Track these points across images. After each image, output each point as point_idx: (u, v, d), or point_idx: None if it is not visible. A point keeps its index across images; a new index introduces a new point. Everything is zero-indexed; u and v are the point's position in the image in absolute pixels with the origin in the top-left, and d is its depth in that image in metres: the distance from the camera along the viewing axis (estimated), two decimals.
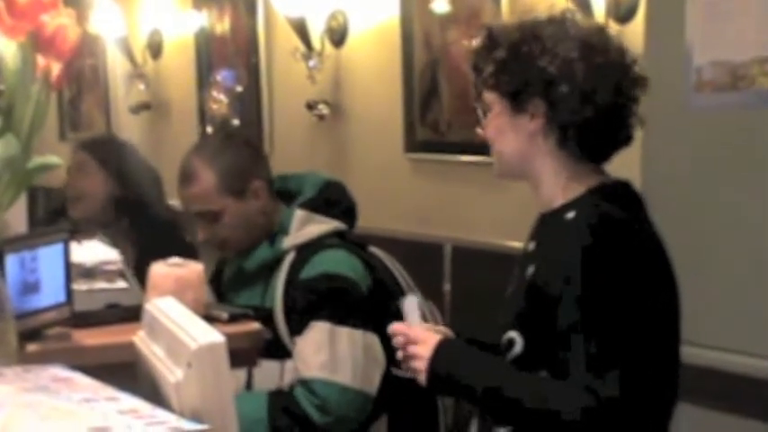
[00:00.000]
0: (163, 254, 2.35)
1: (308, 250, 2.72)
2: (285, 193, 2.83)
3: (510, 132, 2.05)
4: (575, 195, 2.02)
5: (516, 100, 2.02)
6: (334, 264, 2.69)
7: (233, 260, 2.86)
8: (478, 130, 2.13)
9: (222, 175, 2.74)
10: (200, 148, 2.88)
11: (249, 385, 2.69)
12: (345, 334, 2.62)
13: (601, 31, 2.08)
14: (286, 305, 2.69)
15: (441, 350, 2.02)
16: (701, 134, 2.71)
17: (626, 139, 2.07)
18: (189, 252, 2.94)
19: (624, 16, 3.45)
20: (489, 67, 2.05)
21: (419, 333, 2.06)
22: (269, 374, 2.65)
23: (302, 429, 2.56)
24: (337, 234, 2.78)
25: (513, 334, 2.00)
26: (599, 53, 1.99)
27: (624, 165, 3.25)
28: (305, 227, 2.74)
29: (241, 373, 2.67)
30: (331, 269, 2.67)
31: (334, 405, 2.56)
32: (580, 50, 1.98)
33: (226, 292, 2.89)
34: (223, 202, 2.74)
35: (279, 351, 2.60)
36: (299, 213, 2.75)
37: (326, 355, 2.59)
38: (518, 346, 1.98)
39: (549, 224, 2.05)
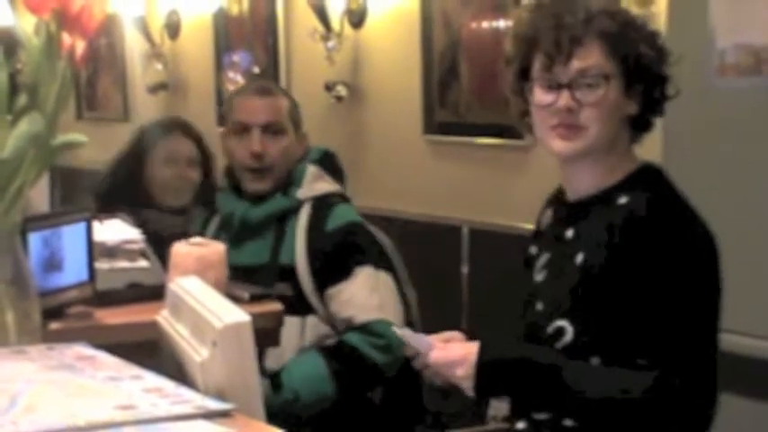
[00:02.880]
0: None
1: (323, 205, 2.80)
2: None
3: (613, 112, 1.99)
4: (618, 179, 2.01)
5: (632, 82, 1.99)
6: (355, 215, 2.82)
7: (232, 214, 2.83)
8: (568, 103, 1.97)
9: (291, 105, 2.93)
10: (269, 81, 3.09)
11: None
12: (384, 277, 2.75)
13: None
14: (311, 258, 2.70)
15: (483, 353, 1.95)
16: (723, 117, 2.70)
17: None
18: None
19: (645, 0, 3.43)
20: (627, 42, 1.98)
21: (452, 348, 2.00)
22: (290, 331, 2.65)
23: (366, 374, 2.60)
24: (339, 196, 2.89)
25: (562, 322, 1.96)
26: (660, 37, 2.03)
27: (646, 148, 3.24)
28: (317, 182, 2.84)
29: None
30: (356, 220, 2.80)
31: (395, 344, 2.58)
32: (660, 38, 2.01)
33: None
34: (288, 126, 2.86)
35: (300, 307, 2.60)
36: (311, 168, 2.85)
37: (378, 297, 2.69)
38: (569, 335, 1.95)
39: (594, 210, 2.00)
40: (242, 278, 2.61)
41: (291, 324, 2.66)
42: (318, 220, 2.76)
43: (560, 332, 1.96)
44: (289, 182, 2.82)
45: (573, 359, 1.93)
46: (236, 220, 2.80)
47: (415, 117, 4.46)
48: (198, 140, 3.37)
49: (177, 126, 3.40)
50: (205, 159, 3.34)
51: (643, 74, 1.98)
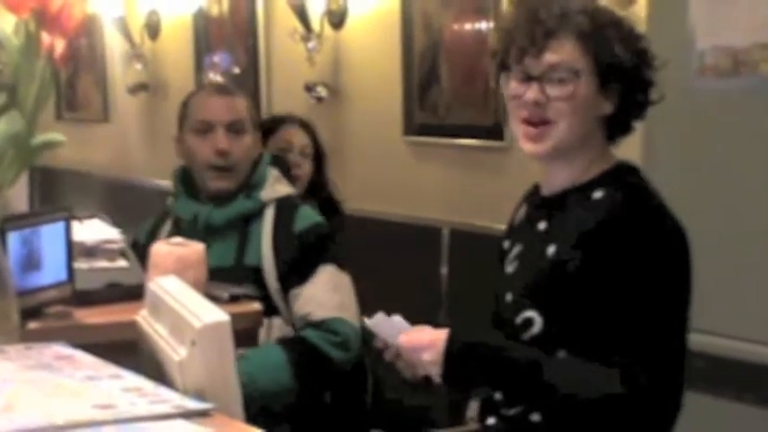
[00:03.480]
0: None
1: (286, 206, 2.81)
2: None
3: (585, 110, 1.98)
4: (594, 175, 2.01)
5: (607, 80, 1.98)
6: (319, 217, 2.84)
7: (195, 217, 2.81)
8: (537, 97, 1.97)
9: (250, 105, 2.95)
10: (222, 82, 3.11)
11: None
12: (345, 276, 2.77)
13: None
14: (278, 259, 2.71)
15: (452, 339, 1.95)
16: (702, 118, 2.71)
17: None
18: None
19: (626, 0, 3.44)
20: (581, 44, 1.98)
21: (421, 333, 2.01)
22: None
23: (322, 368, 2.63)
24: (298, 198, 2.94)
25: (531, 313, 1.96)
26: (643, 41, 2.02)
27: (625, 148, 3.25)
28: (278, 184, 2.86)
29: None
30: (321, 221, 2.83)
31: (353, 342, 2.65)
32: (642, 41, 2.01)
33: None
34: (248, 125, 2.86)
35: (266, 308, 2.61)
36: (272, 171, 2.87)
37: (339, 297, 2.71)
38: (537, 326, 1.95)
39: (568, 204, 2.01)
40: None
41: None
42: (284, 222, 2.77)
43: (529, 323, 1.96)
44: (251, 184, 2.81)
45: (541, 350, 1.93)
46: (201, 222, 2.79)
47: (395, 118, 4.46)
48: (313, 135, 3.48)
49: (294, 119, 3.52)
50: (318, 156, 3.46)
51: (618, 74, 1.97)
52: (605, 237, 1.90)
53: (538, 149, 1.99)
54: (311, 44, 4.78)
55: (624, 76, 1.98)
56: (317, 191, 3.41)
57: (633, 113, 2.04)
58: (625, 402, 1.84)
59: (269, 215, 2.79)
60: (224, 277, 2.52)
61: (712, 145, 2.70)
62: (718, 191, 2.68)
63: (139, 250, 2.58)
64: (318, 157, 3.48)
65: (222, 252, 2.73)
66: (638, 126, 2.83)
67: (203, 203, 2.82)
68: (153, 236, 2.83)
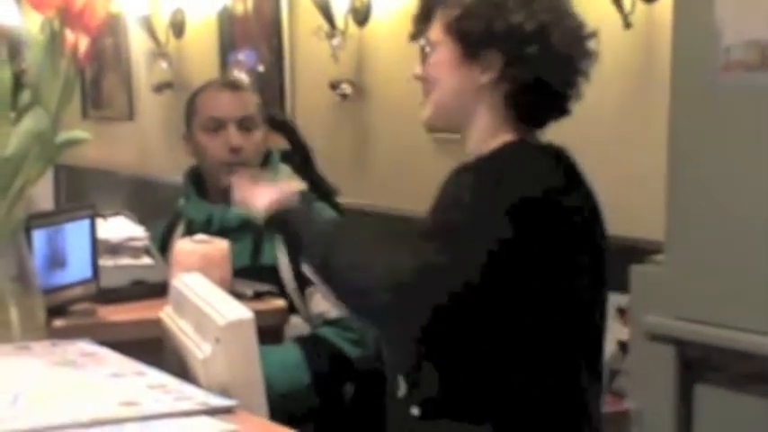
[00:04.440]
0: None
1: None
2: None
3: (454, 80, 1.99)
4: (482, 152, 1.99)
5: (471, 48, 1.96)
6: (332, 212, 2.81)
7: (210, 218, 2.78)
8: (415, 72, 2.07)
9: (258, 100, 2.90)
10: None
11: None
12: None
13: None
14: (293, 258, 2.70)
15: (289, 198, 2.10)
16: (728, 114, 2.69)
17: (564, 111, 2.02)
18: None
19: None
20: (455, 9, 1.98)
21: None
22: None
23: (339, 365, 2.61)
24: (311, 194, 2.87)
25: None
26: (571, 18, 1.98)
27: (651, 144, 3.24)
28: (289, 180, 2.73)
29: None
30: (334, 216, 2.80)
31: (369, 339, 2.60)
32: (555, 13, 1.96)
33: None
34: (259, 121, 2.83)
35: None
36: (285, 167, 2.83)
37: None
38: None
39: None
40: None
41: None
42: None
43: None
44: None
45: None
46: (216, 223, 2.77)
47: (420, 115, 4.45)
48: (290, 133, 3.28)
49: (266, 120, 3.40)
50: (296, 147, 3.31)
51: (484, 43, 1.94)
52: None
53: (422, 117, 2.08)
54: (336, 41, 4.78)
55: (495, 46, 1.94)
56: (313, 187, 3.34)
57: (530, 90, 1.96)
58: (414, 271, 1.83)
59: None
60: (240, 277, 2.51)
61: (739, 141, 2.68)
62: (744, 187, 2.66)
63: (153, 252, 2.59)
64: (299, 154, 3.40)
65: (238, 252, 2.70)
66: (664, 122, 2.83)
67: (215, 204, 2.80)
68: (166, 239, 2.82)
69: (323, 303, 2.66)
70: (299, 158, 3.22)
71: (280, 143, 3.30)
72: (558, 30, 1.95)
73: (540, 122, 2.03)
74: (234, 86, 2.92)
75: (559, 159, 2.00)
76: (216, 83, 2.97)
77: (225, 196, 2.78)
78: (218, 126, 2.79)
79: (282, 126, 3.35)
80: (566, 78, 1.98)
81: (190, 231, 2.77)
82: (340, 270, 1.94)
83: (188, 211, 2.86)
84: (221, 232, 2.70)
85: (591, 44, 2.01)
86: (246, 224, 2.75)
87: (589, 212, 1.99)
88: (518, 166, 1.94)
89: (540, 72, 1.95)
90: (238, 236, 2.73)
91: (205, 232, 2.67)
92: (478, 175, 1.94)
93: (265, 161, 2.84)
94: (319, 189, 3.30)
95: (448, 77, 2.00)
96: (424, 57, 2.05)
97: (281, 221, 2.10)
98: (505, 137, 1.99)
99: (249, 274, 2.63)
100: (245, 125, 2.79)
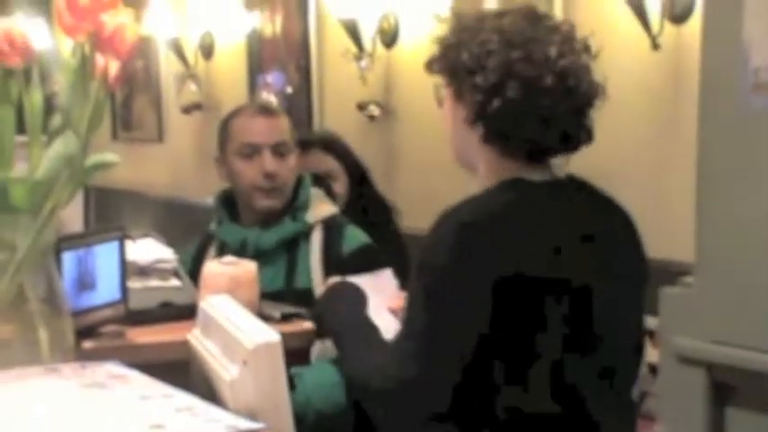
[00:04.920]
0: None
1: (332, 226, 2.79)
2: None
3: (452, 117, 2.01)
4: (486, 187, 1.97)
5: (455, 86, 1.98)
6: (366, 237, 2.81)
7: (245, 242, 2.78)
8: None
9: (290, 126, 2.88)
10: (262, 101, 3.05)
11: None
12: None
13: (542, 27, 1.94)
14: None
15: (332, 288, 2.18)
16: (758, 135, 2.67)
17: (566, 146, 1.95)
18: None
19: (680, 16, 3.42)
20: (437, 49, 2.03)
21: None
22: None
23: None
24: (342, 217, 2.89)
25: None
26: (519, 48, 1.89)
27: (680, 165, 3.22)
28: (322, 204, 2.84)
29: None
30: (369, 241, 2.80)
31: None
32: (499, 43, 1.90)
33: None
34: (292, 145, 2.84)
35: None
36: (316, 191, 2.85)
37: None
38: None
39: None
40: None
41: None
42: (332, 243, 2.76)
43: None
44: (295, 206, 2.80)
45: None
46: (250, 247, 2.76)
47: (447, 136, 4.46)
48: (341, 153, 3.37)
49: (316, 142, 3.38)
50: (352, 168, 3.36)
51: (458, 78, 1.96)
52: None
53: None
54: (363, 63, 4.79)
55: (460, 84, 1.95)
56: (360, 210, 3.29)
57: (480, 112, 1.93)
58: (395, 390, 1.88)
59: (316, 237, 2.78)
60: (275, 301, 2.51)
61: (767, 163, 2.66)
62: None
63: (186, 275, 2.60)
64: (353, 174, 3.36)
65: (272, 276, 2.71)
66: (692, 143, 2.82)
67: (249, 227, 2.80)
68: (197, 261, 2.82)
69: None
70: (357, 178, 3.32)
71: (330, 165, 3.33)
72: (498, 59, 1.90)
73: (535, 156, 1.95)
74: (268, 112, 2.91)
75: (549, 195, 1.94)
76: (249, 108, 2.97)
77: (258, 219, 2.80)
78: (252, 152, 2.80)
79: (335, 147, 3.38)
80: (526, 109, 1.89)
81: (222, 254, 2.77)
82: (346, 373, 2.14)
83: (221, 234, 2.86)
84: (255, 256, 2.71)
85: (571, 81, 1.91)
86: (280, 247, 2.76)
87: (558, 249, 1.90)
88: (461, 224, 1.90)
89: (486, 102, 1.91)
90: (273, 259, 2.74)
91: (239, 256, 2.67)
92: (437, 236, 1.92)
93: (297, 185, 2.85)
94: (375, 208, 3.33)
95: (449, 118, 2.03)
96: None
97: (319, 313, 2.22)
98: (503, 175, 1.94)
99: (284, 297, 2.63)
100: (279, 150, 2.79)
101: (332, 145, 3.40)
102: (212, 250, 2.87)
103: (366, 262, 2.73)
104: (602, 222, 1.98)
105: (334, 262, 2.73)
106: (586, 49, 1.94)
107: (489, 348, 1.84)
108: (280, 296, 2.62)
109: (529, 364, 1.87)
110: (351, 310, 2.12)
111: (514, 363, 1.87)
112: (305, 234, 2.78)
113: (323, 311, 2.19)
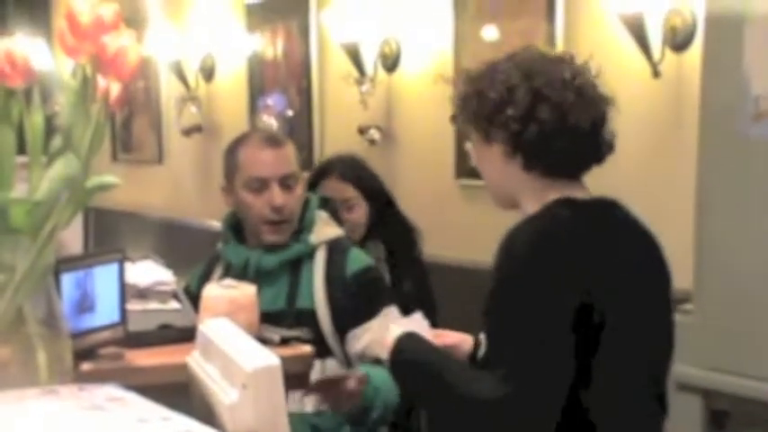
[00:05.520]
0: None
1: (336, 249, 2.80)
2: None
3: (486, 162, 2.13)
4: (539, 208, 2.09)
5: (481, 131, 2.10)
6: (369, 259, 2.85)
7: (246, 262, 2.80)
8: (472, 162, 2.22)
9: (295, 150, 2.89)
10: (268, 130, 3.05)
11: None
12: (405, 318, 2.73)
13: (550, 58, 2.13)
14: (331, 301, 2.72)
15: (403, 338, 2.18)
16: (758, 164, 2.68)
17: (595, 156, 2.11)
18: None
19: (680, 44, 3.44)
20: (456, 105, 2.15)
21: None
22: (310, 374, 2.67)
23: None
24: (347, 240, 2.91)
25: (482, 336, 2.14)
26: (539, 76, 2.06)
27: (679, 192, 3.23)
28: (327, 227, 2.84)
29: None
30: (371, 263, 2.83)
31: None
32: (521, 77, 2.06)
33: None
34: (299, 173, 2.85)
35: (320, 350, 2.60)
36: (321, 214, 2.86)
37: None
38: (483, 347, 2.10)
39: None
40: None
41: (318, 366, 2.67)
42: (336, 265, 2.77)
43: (479, 344, 2.17)
44: (300, 228, 2.81)
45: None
46: (252, 267, 2.78)
47: (447, 161, 4.46)
48: (358, 179, 3.38)
49: (332, 171, 3.39)
50: (372, 195, 3.37)
51: (484, 123, 2.09)
52: (493, 265, 2.07)
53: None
54: (364, 87, 4.80)
55: (490, 124, 2.08)
56: (381, 235, 3.34)
57: (520, 142, 2.07)
58: (493, 409, 1.95)
59: (320, 258, 2.79)
60: (276, 321, 2.52)
61: (767, 191, 2.67)
62: None
63: (191, 296, 2.59)
64: (375, 199, 3.39)
65: (273, 296, 2.72)
66: (692, 171, 2.83)
67: (253, 249, 2.81)
68: (205, 281, 2.83)
69: (376, 347, 2.65)
70: (380, 204, 3.35)
71: (348, 193, 3.31)
72: (524, 89, 2.05)
73: (570, 174, 2.10)
74: (275, 143, 2.88)
75: (597, 217, 2.07)
76: (256, 137, 2.92)
77: (262, 242, 2.81)
78: (261, 186, 2.80)
79: (353, 174, 3.37)
80: (560, 130, 2.05)
81: (227, 274, 2.79)
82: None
83: (226, 254, 2.88)
84: (258, 275, 2.72)
85: (596, 90, 2.09)
86: (283, 267, 2.77)
87: (630, 274, 2.05)
88: (537, 238, 2.01)
89: (523, 131, 2.04)
90: (274, 279, 2.75)
91: (242, 276, 2.68)
92: (527, 246, 2.01)
93: (303, 207, 2.85)
94: (399, 232, 3.34)
95: (482, 162, 2.15)
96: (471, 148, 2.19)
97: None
98: (552, 193, 2.08)
99: (286, 317, 2.64)
100: (286, 183, 2.79)
101: (349, 172, 3.41)
102: (219, 270, 2.89)
103: (369, 283, 2.75)
104: (644, 235, 2.13)
105: (338, 283, 2.74)
106: (586, 68, 2.11)
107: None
108: (281, 316, 2.63)
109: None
110: (424, 349, 2.18)
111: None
112: (308, 255, 2.79)
113: (398, 363, 2.20)
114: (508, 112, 2.05)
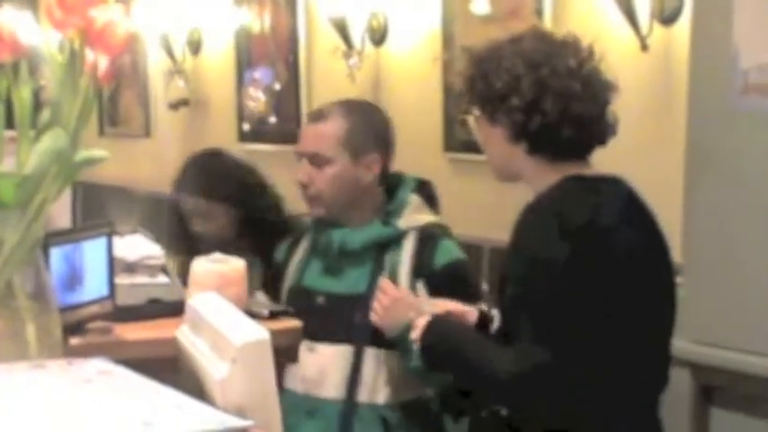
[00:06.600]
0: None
1: (427, 237, 2.70)
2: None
3: (490, 141, 2.19)
4: (537, 191, 2.14)
5: (487, 113, 2.16)
6: (459, 252, 2.73)
7: (329, 240, 2.74)
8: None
9: (350, 129, 2.74)
10: (348, 100, 2.94)
11: (356, 370, 2.65)
12: None
13: (555, 44, 2.17)
14: (415, 291, 2.63)
15: (433, 323, 2.22)
16: (746, 137, 2.69)
17: (599, 140, 2.17)
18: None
19: (668, 18, 3.43)
20: (462, 84, 2.21)
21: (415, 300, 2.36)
22: (392, 361, 2.64)
23: None
24: (440, 227, 2.79)
25: (494, 311, 2.23)
26: (545, 65, 2.10)
27: (667, 166, 3.24)
28: (418, 212, 2.75)
29: (347, 360, 2.66)
30: (462, 257, 2.73)
31: None
32: (526, 66, 2.10)
33: (312, 283, 2.78)
34: (337, 154, 2.73)
35: (384, 340, 2.57)
36: (414, 198, 2.76)
37: None
38: (496, 321, 2.20)
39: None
40: (337, 307, 2.56)
41: (391, 356, 2.64)
42: (424, 254, 2.67)
43: (492, 319, 2.24)
44: (388, 210, 2.72)
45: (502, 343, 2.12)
46: (335, 246, 2.72)
47: (436, 135, 4.46)
48: (205, 191, 3.20)
49: (185, 186, 3.25)
50: (235, 194, 3.21)
51: (484, 102, 2.16)
52: (510, 242, 2.12)
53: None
54: (352, 61, 4.79)
55: (495, 105, 2.15)
56: (255, 225, 3.20)
57: (525, 130, 2.13)
58: (523, 379, 2.00)
59: (408, 245, 2.69)
60: (355, 304, 2.46)
61: (756, 164, 2.67)
62: (761, 211, 2.65)
63: (276, 267, 2.59)
64: (237, 194, 3.23)
65: (355, 278, 2.66)
66: (681, 145, 2.83)
67: (340, 227, 2.74)
68: (289, 253, 2.81)
69: None
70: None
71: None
72: (529, 79, 2.10)
73: (577, 155, 2.16)
74: (315, 118, 2.82)
75: (615, 192, 2.14)
76: (311, 112, 2.92)
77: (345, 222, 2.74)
78: (299, 159, 2.78)
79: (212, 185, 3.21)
80: (564, 118, 2.10)
81: (313, 249, 2.76)
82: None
83: (312, 230, 2.83)
84: (341, 255, 2.67)
85: (599, 77, 2.14)
86: (367, 250, 2.69)
87: (646, 245, 2.11)
88: (576, 210, 2.06)
89: (528, 120, 2.11)
90: (358, 261, 2.68)
91: (325, 253, 2.65)
92: (547, 219, 2.06)
93: (395, 187, 2.77)
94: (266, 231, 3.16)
95: (486, 141, 2.22)
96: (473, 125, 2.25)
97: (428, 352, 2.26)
98: (559, 173, 2.12)
99: (365, 301, 2.58)
100: (315, 161, 2.73)
101: (198, 186, 3.24)
102: (305, 243, 2.83)
103: (455, 279, 2.65)
104: (648, 209, 2.20)
105: (423, 274, 2.65)
106: (592, 54, 2.15)
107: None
108: (360, 300, 2.57)
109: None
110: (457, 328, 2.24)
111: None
112: (395, 240, 2.70)
113: (432, 343, 2.23)
114: (513, 102, 2.09)
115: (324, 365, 2.66)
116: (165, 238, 2.82)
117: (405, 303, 2.42)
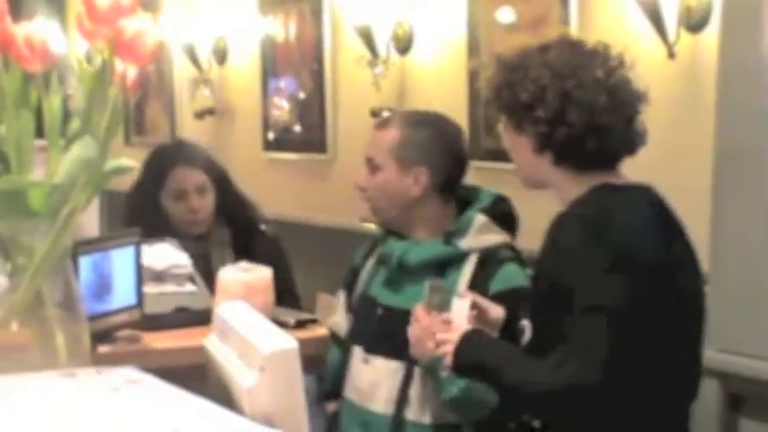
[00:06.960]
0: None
1: (490, 260, 2.62)
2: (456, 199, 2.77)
3: (516, 149, 2.18)
4: (567, 203, 2.12)
5: (513, 122, 2.15)
6: (522, 279, 2.60)
7: (390, 253, 2.70)
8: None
9: (402, 140, 2.71)
10: (415, 111, 2.99)
11: (405, 388, 2.60)
12: None
13: (584, 53, 2.14)
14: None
15: (466, 338, 2.17)
16: None
17: (628, 150, 2.15)
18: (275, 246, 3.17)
19: (696, 25, 3.42)
20: (489, 92, 2.20)
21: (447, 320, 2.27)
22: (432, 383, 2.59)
23: None
24: (509, 248, 2.70)
25: (524, 322, 2.18)
26: (571, 77, 2.08)
27: (695, 174, 3.22)
28: (484, 233, 2.66)
29: (397, 377, 2.63)
30: (522, 285, 2.57)
31: None
32: (552, 76, 2.08)
33: (376, 293, 2.74)
34: (386, 162, 2.70)
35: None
36: (480, 218, 2.67)
37: None
38: (527, 333, 2.15)
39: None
40: (393, 321, 2.53)
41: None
42: (482, 277, 2.59)
43: (522, 331, 2.20)
44: (452, 229, 2.65)
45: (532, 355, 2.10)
46: (394, 259, 2.68)
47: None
48: (204, 164, 3.25)
49: (179, 157, 3.26)
50: (217, 179, 3.25)
51: (509, 112, 2.15)
52: (543, 248, 2.09)
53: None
54: (377, 69, 4.79)
55: (521, 115, 2.14)
56: (232, 212, 3.23)
57: (551, 141, 2.12)
58: (568, 395, 1.96)
59: (469, 266, 2.61)
60: (409, 321, 2.43)
61: None
62: None
63: (354, 272, 2.60)
64: (218, 180, 3.26)
65: (412, 294, 2.55)
66: (708, 152, 2.82)
67: (403, 241, 2.70)
68: (365, 259, 2.81)
69: None
70: (227, 183, 3.26)
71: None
72: (554, 91, 2.08)
73: (605, 165, 2.14)
74: (378, 124, 2.81)
75: (650, 202, 2.13)
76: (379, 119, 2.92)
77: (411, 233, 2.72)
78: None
79: (195, 159, 3.23)
80: (591, 129, 2.08)
81: (381, 261, 2.74)
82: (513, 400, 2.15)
83: (380, 240, 2.79)
84: (400, 270, 2.65)
85: (629, 87, 2.12)
86: (427, 267, 2.61)
87: (675, 255, 2.09)
88: (610, 219, 2.03)
89: (553, 131, 2.09)
90: (417, 278, 2.60)
91: (388, 264, 2.65)
92: (583, 228, 2.04)
93: (465, 206, 2.72)
94: (238, 211, 3.23)
95: (512, 148, 2.20)
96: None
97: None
98: (586, 183, 2.11)
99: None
100: (370, 165, 2.72)
101: (197, 157, 3.29)
102: (377, 251, 2.80)
103: (509, 306, 2.47)
104: (676, 218, 2.17)
105: (479, 296, 2.51)
106: (622, 63, 2.12)
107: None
108: (409, 318, 2.53)
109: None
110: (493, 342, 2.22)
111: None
112: (457, 260, 2.62)
113: (469, 356, 2.20)
114: (537, 113, 2.09)
115: (376, 379, 2.63)
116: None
117: (431, 333, 2.32)
